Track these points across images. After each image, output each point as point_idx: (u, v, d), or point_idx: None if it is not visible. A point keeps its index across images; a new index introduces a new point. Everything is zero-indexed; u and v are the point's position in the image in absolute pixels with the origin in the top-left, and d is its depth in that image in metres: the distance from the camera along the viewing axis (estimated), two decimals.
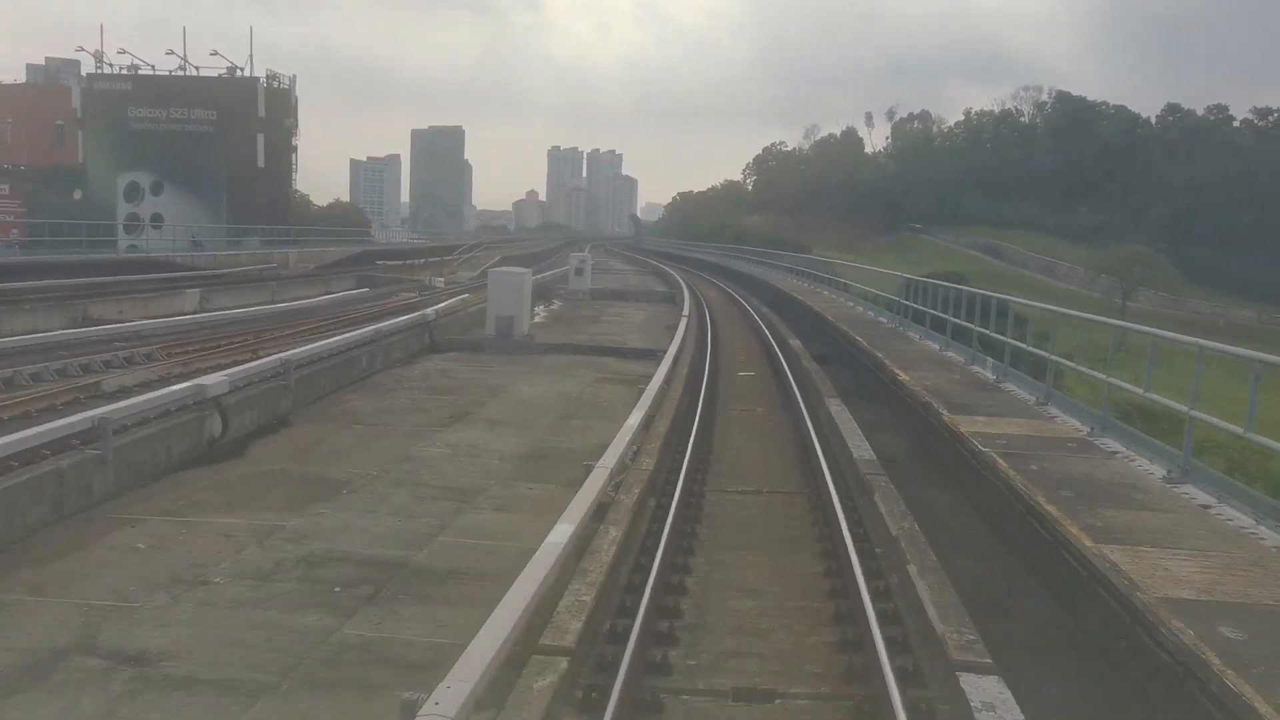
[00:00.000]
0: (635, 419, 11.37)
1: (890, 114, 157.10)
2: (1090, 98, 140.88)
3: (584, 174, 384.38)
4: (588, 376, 17.78)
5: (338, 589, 7.27)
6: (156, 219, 49.77)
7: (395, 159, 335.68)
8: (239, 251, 41.03)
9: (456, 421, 13.48)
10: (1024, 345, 12.33)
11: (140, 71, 51.45)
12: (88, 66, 51.53)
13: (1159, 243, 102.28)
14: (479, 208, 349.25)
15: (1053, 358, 11.14)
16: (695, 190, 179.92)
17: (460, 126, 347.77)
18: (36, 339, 15.76)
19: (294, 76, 52.59)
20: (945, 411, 10.16)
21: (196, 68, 50.39)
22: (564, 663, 5.23)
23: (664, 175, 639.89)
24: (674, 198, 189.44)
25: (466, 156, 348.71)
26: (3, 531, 7.83)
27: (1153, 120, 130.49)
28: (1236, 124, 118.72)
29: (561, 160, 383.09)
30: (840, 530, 7.76)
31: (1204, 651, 4.57)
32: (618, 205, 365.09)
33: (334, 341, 15.69)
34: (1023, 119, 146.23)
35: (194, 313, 23.67)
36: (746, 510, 9.25)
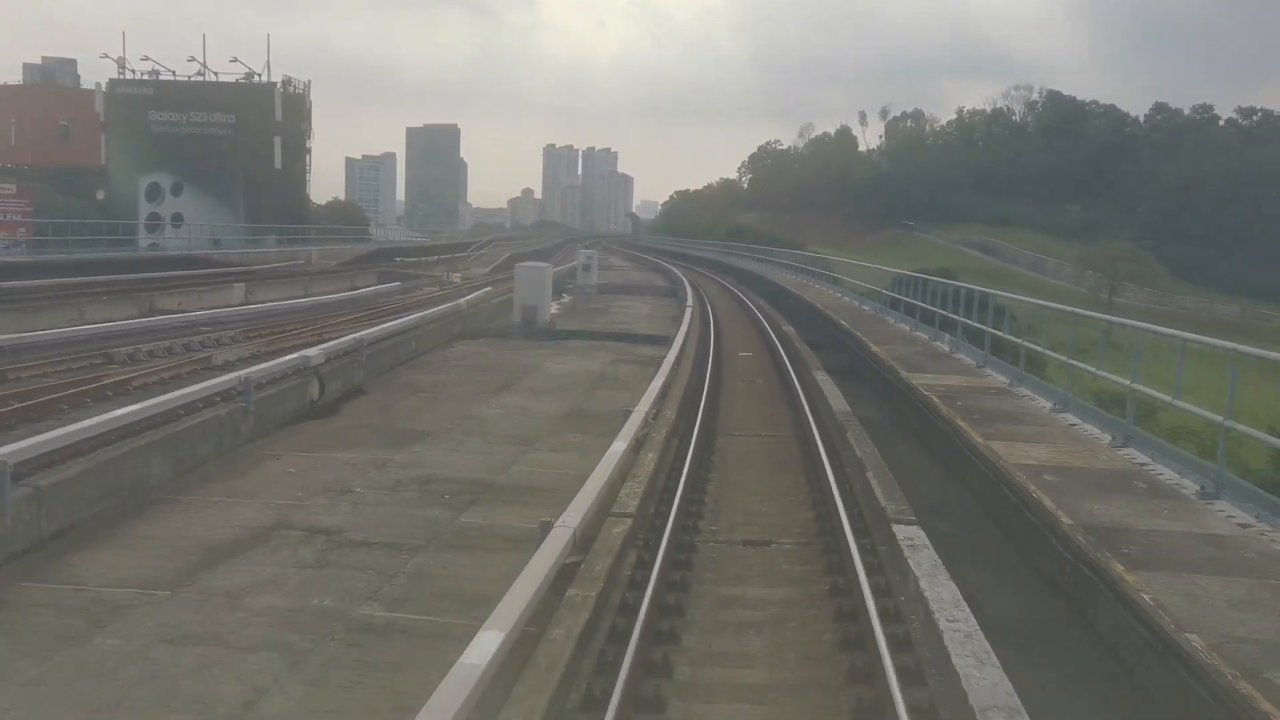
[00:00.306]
0: (656, 385, 14.01)
1: (884, 113, 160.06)
2: (1082, 96, 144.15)
3: (579, 172, 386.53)
4: (606, 357, 20.41)
5: (447, 496, 9.89)
6: (177, 218, 52.29)
7: (391, 157, 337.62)
8: (265, 250, 43.56)
9: (503, 391, 16.10)
10: (969, 321, 15.09)
11: (161, 77, 53.89)
12: (110, 72, 53.94)
13: (1147, 240, 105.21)
14: (474, 206, 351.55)
15: (988, 329, 13.92)
16: (692, 188, 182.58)
17: (456, 125, 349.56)
18: (134, 324, 18.37)
19: (308, 82, 55.30)
20: (904, 371, 12.92)
21: (215, 73, 52.96)
22: (629, 521, 7.87)
23: (659, 173, 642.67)
24: (671, 196, 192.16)
25: (462, 155, 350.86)
26: (186, 460, 10.43)
27: (1141, 119, 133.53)
28: (1222, 123, 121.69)
29: (557, 158, 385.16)
30: (820, 457, 10.40)
31: (1030, 487, 7.31)
32: (613, 203, 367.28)
33: (392, 325, 18.31)
34: (1014, 118, 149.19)
35: (241, 304, 26.23)
36: (748, 446, 11.92)
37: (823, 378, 15.18)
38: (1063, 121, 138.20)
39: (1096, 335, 11.42)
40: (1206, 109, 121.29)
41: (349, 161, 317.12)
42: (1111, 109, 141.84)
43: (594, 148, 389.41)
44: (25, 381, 13.06)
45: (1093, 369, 9.68)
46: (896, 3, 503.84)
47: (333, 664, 6.05)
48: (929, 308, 17.69)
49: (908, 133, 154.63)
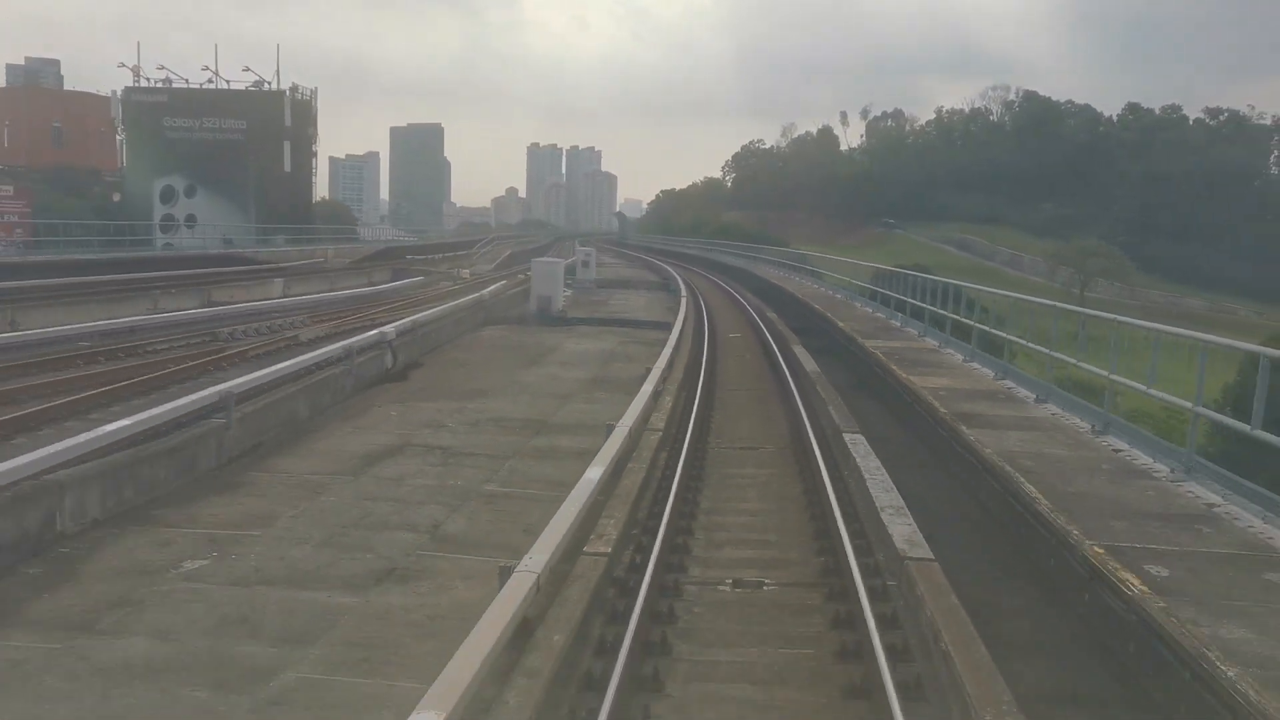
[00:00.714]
0: (665, 356, 17.46)
1: (864, 113, 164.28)
2: (1064, 94, 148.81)
3: (563, 171, 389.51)
4: (615, 339, 23.89)
5: (516, 429, 13.33)
6: (190, 219, 55.39)
7: (374, 156, 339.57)
8: (284, 249, 46.76)
9: (534, 364, 19.56)
10: (914, 300, 18.75)
11: (174, 84, 56.97)
12: (125, 80, 56.88)
13: (1119, 237, 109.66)
14: (458, 205, 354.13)
15: (925, 305, 17.58)
16: (676, 187, 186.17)
17: (439, 124, 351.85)
18: (212, 312, 21.73)
19: (315, 89, 58.51)
20: (859, 339, 16.53)
21: (227, 81, 56.13)
22: (659, 434, 11.36)
23: (643, 172, 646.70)
24: (658, 195, 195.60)
25: (445, 154, 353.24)
26: (317, 406, 13.83)
27: (1114, 119, 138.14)
28: (1191, 123, 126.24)
29: (541, 157, 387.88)
30: (795, 400, 13.94)
31: (929, 399, 10.94)
32: (597, 202, 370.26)
33: (435, 311, 21.74)
34: (992, 118, 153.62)
35: (283, 297, 29.54)
36: (741, 396, 15.47)
37: (799, 350, 18.73)
38: (1039, 121, 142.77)
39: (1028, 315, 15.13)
40: (1175, 109, 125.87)
41: (332, 161, 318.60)
42: (1086, 109, 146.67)
43: (577, 147, 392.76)
44: (162, 352, 16.44)
45: (987, 328, 13.43)
46: (880, 2, 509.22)
47: (477, 510, 9.51)
48: (886, 292, 21.36)
49: (888, 132, 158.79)
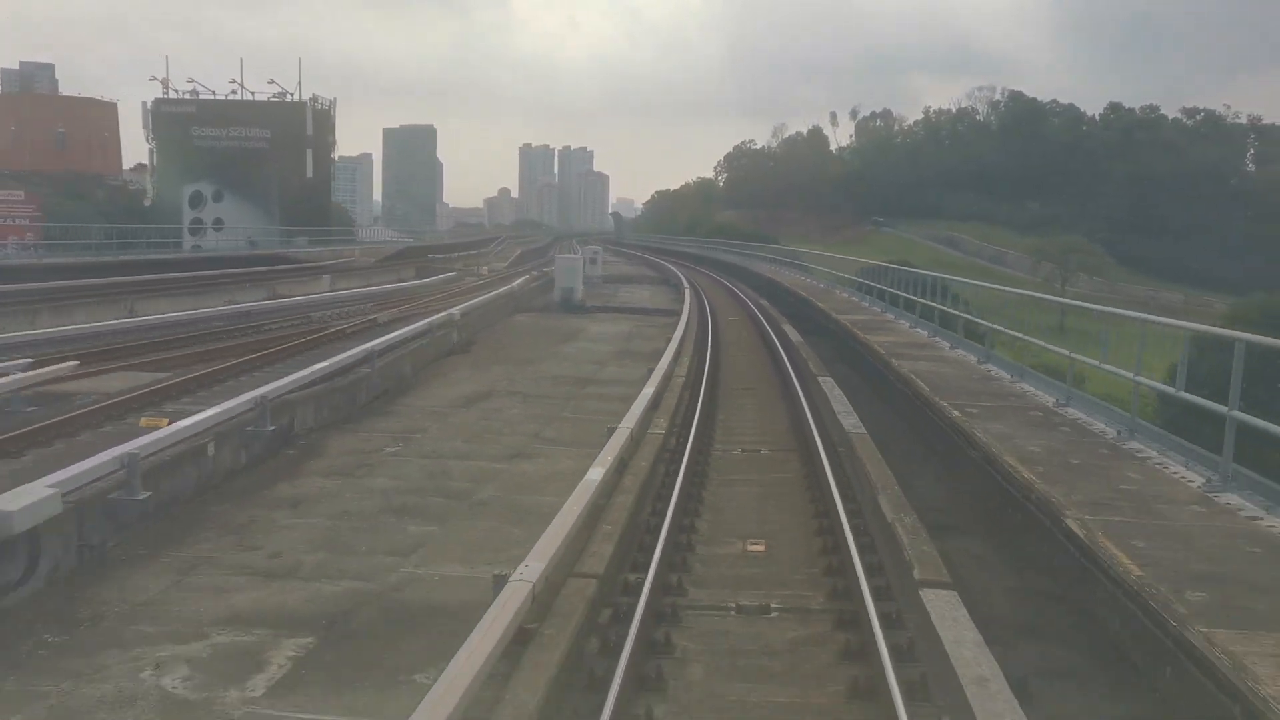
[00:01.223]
0: (678, 334, 21.72)
1: (854, 113, 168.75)
2: (1055, 90, 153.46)
3: (555, 171, 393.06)
4: (630, 323, 28.14)
5: (569, 383, 17.57)
6: (218, 222, 59.46)
7: (367, 157, 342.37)
8: (317, 249, 50.87)
9: (567, 341, 23.79)
10: (876, 284, 23.14)
11: (202, 96, 61.02)
12: (155, 92, 60.81)
13: (1100, 233, 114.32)
14: (451, 205, 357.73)
15: (888, 289, 21.99)
16: (669, 187, 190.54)
17: (432, 125, 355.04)
18: (292, 301, 25.90)
19: (334, 100, 62.67)
20: (834, 314, 20.89)
21: (252, 92, 60.22)
22: (683, 379, 15.63)
23: (635, 171, 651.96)
24: (652, 195, 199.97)
25: (438, 155, 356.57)
26: (415, 367, 18.03)
27: (1096, 118, 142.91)
28: (1170, 123, 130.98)
29: (533, 157, 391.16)
30: (784, 362, 18.22)
31: (878, 350, 15.25)
32: (590, 201, 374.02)
33: (482, 299, 25.97)
34: (978, 117, 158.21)
35: (332, 290, 33.66)
36: (740, 358, 19.77)
37: (787, 327, 23.04)
38: (1023, 121, 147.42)
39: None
40: (1154, 109, 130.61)
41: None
42: (1070, 108, 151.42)
43: (570, 147, 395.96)
44: (278, 330, 20.64)
45: (919, 299, 17.88)
46: (871, 1, 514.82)
47: (560, 426, 13.72)
48: (857, 279, 25.77)
49: (877, 132, 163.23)
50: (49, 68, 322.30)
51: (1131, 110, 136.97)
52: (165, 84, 60.43)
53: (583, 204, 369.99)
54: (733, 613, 6.83)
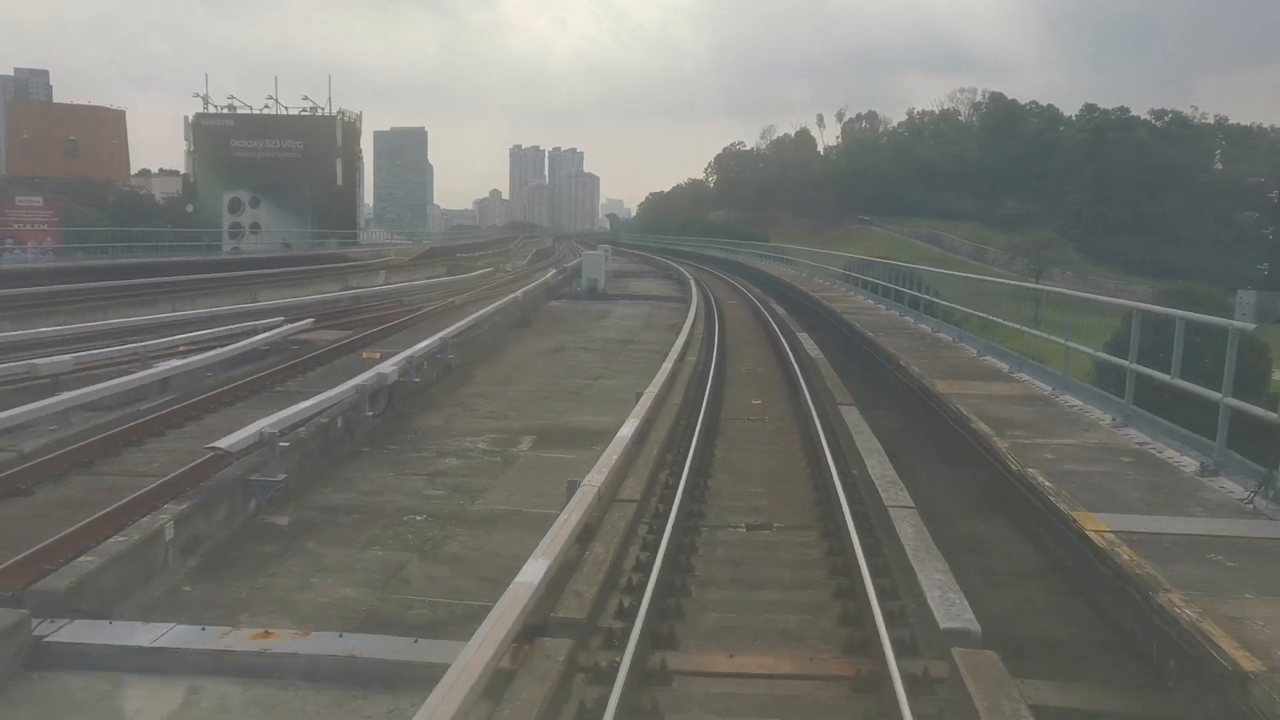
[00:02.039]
0: (690, 314, 28.27)
1: (840, 115, 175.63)
2: (1038, 89, 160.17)
3: (546, 172, 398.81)
4: (647, 307, 34.63)
5: (616, 344, 24.08)
6: (254, 226, 65.72)
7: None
8: (355, 248, 57.20)
9: (602, 319, 30.27)
10: (846, 270, 29.75)
11: (239, 111, 67.31)
12: (196, 107, 66.97)
13: (1074, 230, 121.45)
14: (442, 207, 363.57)
15: (854, 274, 28.61)
16: (660, 188, 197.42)
17: (423, 128, 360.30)
18: (374, 290, 32.33)
19: (360, 113, 69.07)
20: (812, 293, 27.51)
21: (286, 107, 66.58)
22: (699, 343, 22.18)
23: (625, 172, 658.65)
24: (647, 196, 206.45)
25: (429, 158, 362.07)
26: (494, 335, 24.50)
27: (1073, 119, 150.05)
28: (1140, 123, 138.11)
29: (524, 159, 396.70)
30: (780, 338, 24.76)
31: (840, 314, 21.86)
32: (580, 202, 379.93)
33: (529, 287, 32.44)
34: (960, 118, 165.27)
35: (386, 284, 40.02)
36: (740, 328, 26.35)
37: (776, 306, 29.62)
38: (1004, 121, 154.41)
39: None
40: (1124, 111, 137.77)
41: None
42: (1050, 109, 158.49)
43: (559, 148, 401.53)
44: (377, 310, 27.08)
45: (871, 279, 24.57)
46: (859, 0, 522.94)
47: (617, 367, 20.23)
48: (834, 269, 32.43)
49: (862, 133, 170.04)
50: (43, 74, 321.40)
51: (1107, 111, 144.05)
52: (205, 99, 66.68)
53: (573, 205, 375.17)
54: (748, 420, 13.40)
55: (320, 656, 5.74)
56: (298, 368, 15.65)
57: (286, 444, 9.55)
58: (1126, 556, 6.13)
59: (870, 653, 5.75)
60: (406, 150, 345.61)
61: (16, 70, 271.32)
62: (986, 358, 15.32)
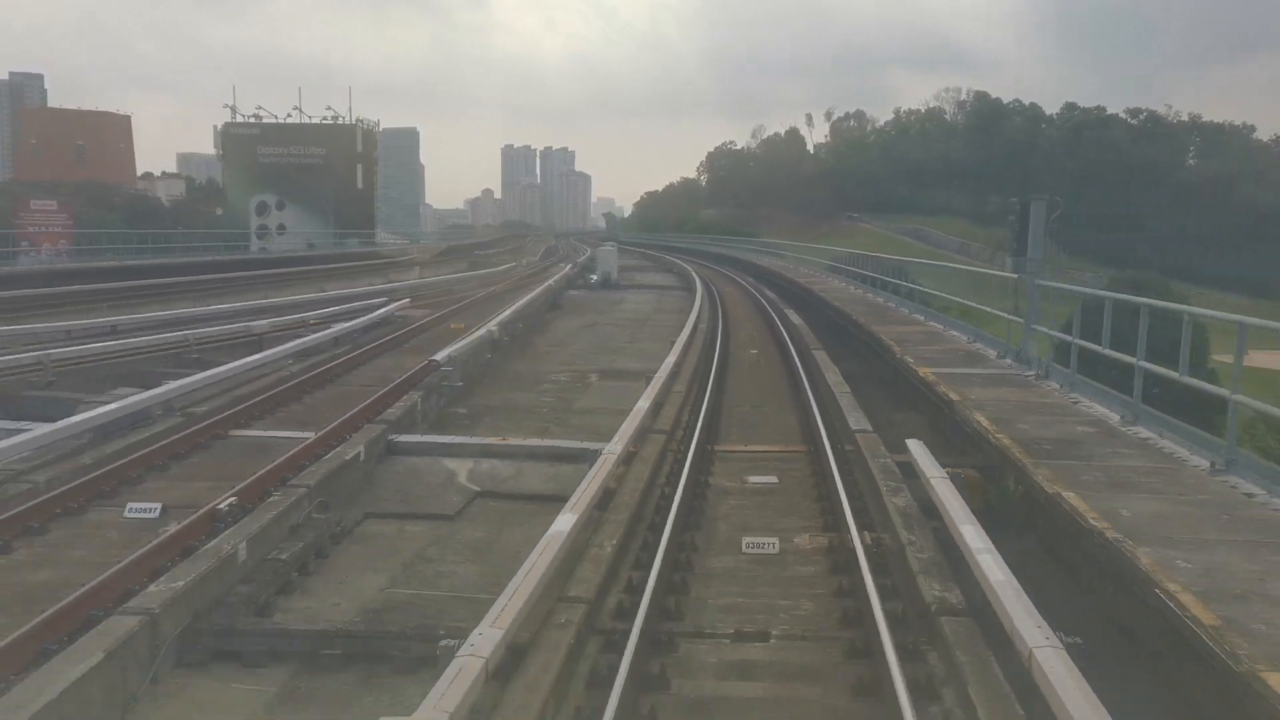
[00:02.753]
0: (697, 299, 33.91)
1: (829, 114, 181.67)
2: (1025, 86, 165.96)
3: (537, 171, 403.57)
4: (655, 295, 40.24)
5: (635, 323, 29.73)
6: (281, 228, 71.15)
7: None
8: (381, 246, 62.68)
9: (620, 304, 35.88)
10: (840, 264, 35.51)
11: (265, 120, 72.72)
12: (225, 117, 72.35)
13: (1052, 225, 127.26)
14: (434, 207, 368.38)
15: (829, 262, 34.29)
16: (650, 185, 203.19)
17: (415, 128, 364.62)
18: (422, 281, 37.90)
19: (378, 120, 74.61)
20: (796, 279, 33.19)
21: (309, 116, 72.09)
22: (705, 323, 27.87)
23: (617, 170, 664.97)
24: (643, 196, 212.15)
25: (420, 158, 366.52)
26: (536, 322, 30.09)
27: (1054, 117, 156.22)
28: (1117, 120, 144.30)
29: (515, 158, 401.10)
30: (769, 311, 30.44)
31: (818, 293, 27.52)
32: (572, 201, 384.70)
33: (556, 278, 38.05)
34: (945, 117, 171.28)
35: (420, 279, 45.54)
36: (737, 307, 32.08)
37: (767, 290, 35.31)
38: (987, 120, 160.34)
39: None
40: (1102, 109, 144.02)
41: None
42: (1032, 107, 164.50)
43: (551, 147, 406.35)
44: (437, 296, 32.63)
45: (843, 265, 30.28)
46: None
47: (645, 335, 25.85)
48: (815, 259, 38.18)
49: (850, 132, 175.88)
50: (38, 78, 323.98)
51: (1086, 110, 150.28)
52: (233, 110, 72.04)
53: (566, 204, 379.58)
54: (748, 358, 19.09)
55: (536, 447, 11.40)
56: (411, 333, 21.25)
57: (451, 369, 15.14)
58: (933, 379, 11.99)
59: (815, 442, 11.43)
60: (399, 150, 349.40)
61: (12, 74, 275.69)
62: (917, 316, 21.25)
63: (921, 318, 20.91)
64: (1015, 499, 8.71)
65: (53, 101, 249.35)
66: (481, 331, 18.21)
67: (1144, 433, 9.97)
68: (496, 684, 5.12)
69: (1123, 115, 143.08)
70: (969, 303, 19.57)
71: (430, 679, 4.86)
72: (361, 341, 19.40)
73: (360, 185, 73.05)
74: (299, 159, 72.04)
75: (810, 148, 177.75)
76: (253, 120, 72.87)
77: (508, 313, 22.69)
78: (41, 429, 9.95)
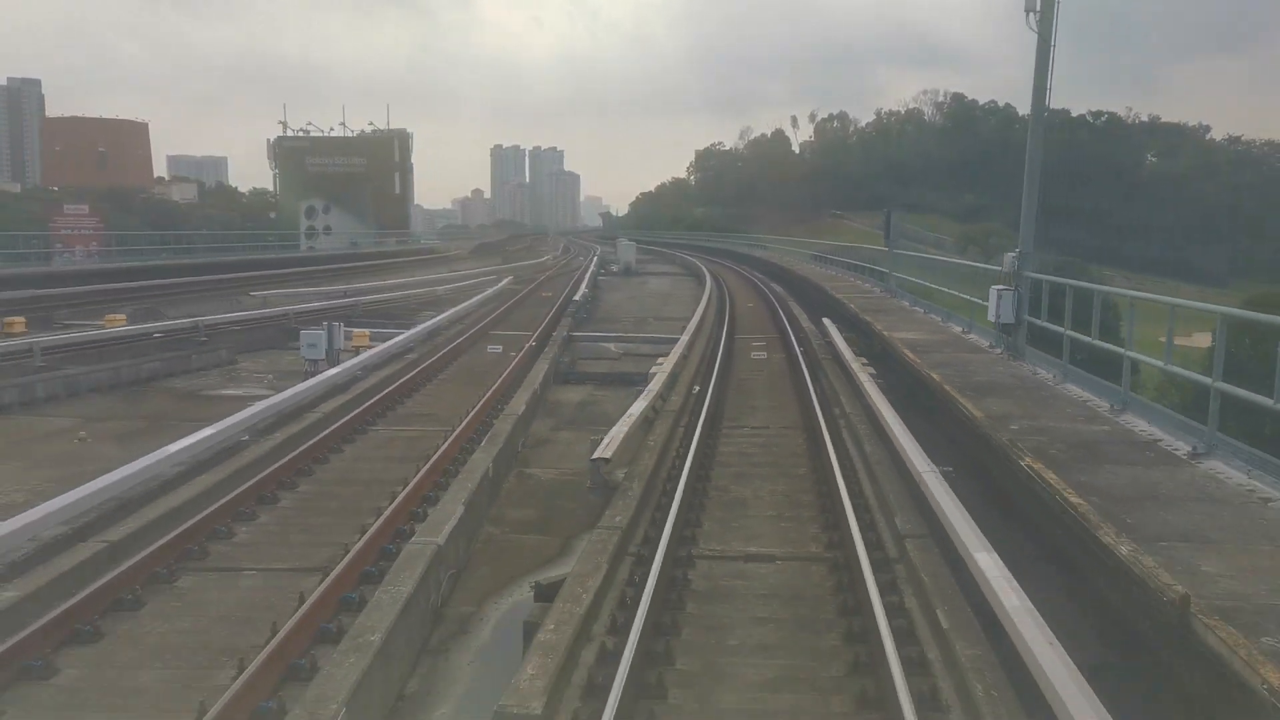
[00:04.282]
0: (707, 283, 45.25)
1: (813, 115, 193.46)
2: (998, 89, 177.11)
3: (527, 171, 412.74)
4: (670, 279, 51.60)
5: (661, 296, 41.08)
6: (327, 229, 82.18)
7: None
8: (415, 244, 73.63)
9: (644, 285, 47.20)
10: (830, 255, 46.91)
11: (313, 134, 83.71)
12: (276, 132, 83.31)
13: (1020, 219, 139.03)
14: (424, 207, 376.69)
15: (829, 257, 45.75)
16: (640, 185, 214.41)
17: (407, 130, 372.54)
18: (469, 272, 49.30)
19: (412, 134, 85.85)
20: (788, 267, 44.66)
21: (351, 130, 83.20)
22: (714, 303, 39.30)
23: (605, 169, 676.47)
24: (637, 196, 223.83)
25: (411, 158, 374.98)
26: (594, 290, 41.46)
27: (1025, 117, 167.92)
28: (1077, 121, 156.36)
29: (504, 158, 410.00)
30: (766, 293, 41.80)
31: (805, 276, 38.98)
32: (562, 200, 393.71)
33: (592, 268, 49.38)
34: (925, 118, 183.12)
35: (467, 271, 56.66)
36: (741, 294, 43.53)
37: (758, 273, 46.75)
38: (963, 121, 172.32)
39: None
40: (1066, 112, 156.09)
41: None
42: (1007, 109, 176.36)
43: (540, 147, 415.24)
44: (528, 275, 43.98)
45: (824, 254, 41.71)
46: None
47: (673, 304, 37.18)
48: (805, 252, 49.75)
49: (833, 132, 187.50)
50: (35, 83, 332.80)
51: (1055, 111, 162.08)
52: (284, 125, 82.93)
53: (555, 203, 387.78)
54: (746, 307, 30.53)
55: (639, 339, 22.93)
56: (529, 293, 32.56)
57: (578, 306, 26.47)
58: (897, 342, 23.52)
59: (784, 334, 22.95)
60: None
61: (9, 80, 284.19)
62: (876, 289, 32.62)
63: (878, 288, 31.82)
64: (876, 350, 20.09)
65: (50, 107, 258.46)
66: (585, 288, 29.53)
67: (1042, 373, 21.36)
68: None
69: (1088, 116, 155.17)
70: (880, 268, 30.76)
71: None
72: (504, 295, 30.69)
73: (398, 190, 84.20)
74: (343, 167, 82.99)
75: (795, 148, 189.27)
76: (301, 134, 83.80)
77: (583, 287, 33.96)
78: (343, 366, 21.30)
